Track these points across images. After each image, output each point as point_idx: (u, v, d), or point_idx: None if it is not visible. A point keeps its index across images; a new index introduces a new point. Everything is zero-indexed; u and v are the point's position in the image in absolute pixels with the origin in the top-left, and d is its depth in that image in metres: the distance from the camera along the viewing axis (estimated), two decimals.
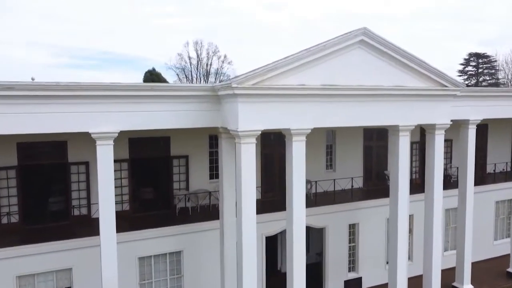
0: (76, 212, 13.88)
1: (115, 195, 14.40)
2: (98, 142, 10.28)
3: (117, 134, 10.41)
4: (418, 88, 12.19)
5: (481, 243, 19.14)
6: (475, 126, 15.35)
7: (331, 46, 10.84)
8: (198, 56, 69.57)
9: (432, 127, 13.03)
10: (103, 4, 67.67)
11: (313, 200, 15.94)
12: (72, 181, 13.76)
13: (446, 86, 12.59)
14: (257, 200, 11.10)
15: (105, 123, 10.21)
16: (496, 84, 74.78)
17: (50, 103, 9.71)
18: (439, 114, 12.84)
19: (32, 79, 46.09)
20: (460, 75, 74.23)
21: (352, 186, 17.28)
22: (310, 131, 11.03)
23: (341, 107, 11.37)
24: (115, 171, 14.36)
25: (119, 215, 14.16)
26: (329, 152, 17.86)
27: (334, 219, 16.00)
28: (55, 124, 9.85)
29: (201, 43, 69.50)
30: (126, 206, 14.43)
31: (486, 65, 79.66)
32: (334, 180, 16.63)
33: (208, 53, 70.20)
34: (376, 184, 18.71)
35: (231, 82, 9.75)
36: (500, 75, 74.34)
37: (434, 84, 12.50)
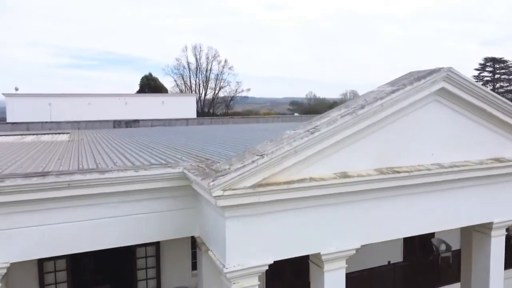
0: None
1: None
2: None
3: (5, 270, 5.70)
4: None
5: None
6: None
7: (391, 105, 6.09)
8: (197, 61, 64.76)
9: None
10: (103, 5, 63.52)
11: None
12: None
13: None
14: None
15: None
16: None
17: None
18: None
19: (16, 89, 40.91)
20: (475, 81, 69.79)
21: (394, 265, 12.50)
22: (354, 252, 6.30)
23: (406, 205, 6.60)
24: (46, 273, 9.71)
25: None
26: None
27: None
28: None
29: (200, 47, 64.69)
30: None
31: (504, 71, 75.03)
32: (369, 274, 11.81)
33: (207, 58, 65.42)
34: (420, 257, 13.94)
35: (212, 187, 4.99)
36: None
37: None
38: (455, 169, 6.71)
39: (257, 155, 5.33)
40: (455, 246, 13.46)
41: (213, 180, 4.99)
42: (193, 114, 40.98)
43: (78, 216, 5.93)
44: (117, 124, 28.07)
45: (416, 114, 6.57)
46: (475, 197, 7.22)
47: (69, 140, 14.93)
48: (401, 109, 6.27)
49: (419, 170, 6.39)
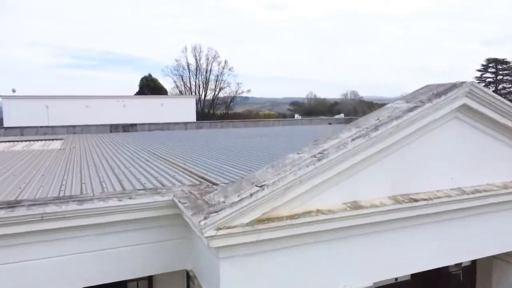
0: None
1: None
2: None
3: None
4: None
5: None
6: None
7: (408, 125, 5.40)
8: (197, 62, 64.13)
9: None
10: (103, 5, 63.12)
11: None
12: None
13: None
14: None
15: None
16: None
17: None
18: None
19: (13, 90, 40.13)
20: (477, 83, 69.07)
21: (402, 283, 11.80)
22: None
23: (423, 235, 5.90)
24: None
25: None
26: None
27: None
28: None
29: (200, 48, 64.02)
30: None
31: (506, 72, 74.30)
32: None
33: (207, 58, 64.77)
34: (429, 274, 13.24)
35: (204, 227, 4.30)
36: None
37: None
38: (478, 194, 6.01)
39: (256, 185, 4.63)
40: (465, 262, 12.76)
41: (205, 218, 4.29)
42: (193, 116, 40.22)
43: (54, 251, 5.23)
44: (114, 128, 27.37)
45: (434, 134, 5.87)
46: (498, 223, 6.52)
47: (60, 149, 14.25)
48: (418, 129, 5.57)
49: (439, 198, 5.70)
